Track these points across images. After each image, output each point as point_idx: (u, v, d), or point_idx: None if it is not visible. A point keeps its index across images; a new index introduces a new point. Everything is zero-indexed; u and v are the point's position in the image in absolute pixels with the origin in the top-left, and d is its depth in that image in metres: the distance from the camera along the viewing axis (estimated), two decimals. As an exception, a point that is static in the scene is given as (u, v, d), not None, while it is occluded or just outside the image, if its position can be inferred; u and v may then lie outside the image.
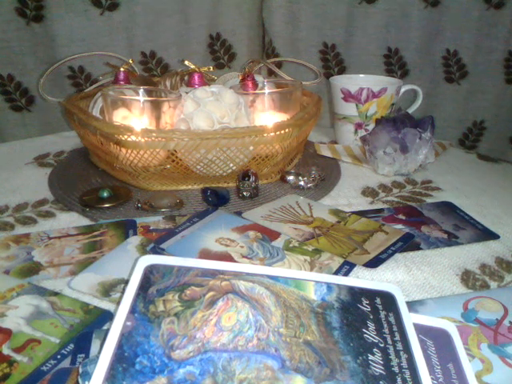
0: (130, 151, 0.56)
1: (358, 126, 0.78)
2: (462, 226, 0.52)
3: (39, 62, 0.88)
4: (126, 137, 0.54)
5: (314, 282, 0.32)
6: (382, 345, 0.28)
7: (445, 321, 0.34)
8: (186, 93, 0.62)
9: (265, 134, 0.56)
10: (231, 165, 0.59)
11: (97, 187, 0.60)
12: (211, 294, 0.29)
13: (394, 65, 0.99)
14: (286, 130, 0.58)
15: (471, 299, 0.39)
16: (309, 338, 0.27)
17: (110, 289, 0.40)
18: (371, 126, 0.76)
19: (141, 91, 0.64)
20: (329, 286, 0.32)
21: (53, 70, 0.73)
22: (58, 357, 0.33)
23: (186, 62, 0.69)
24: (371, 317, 0.30)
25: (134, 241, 0.47)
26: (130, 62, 0.71)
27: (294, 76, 0.84)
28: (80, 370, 0.28)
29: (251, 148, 0.58)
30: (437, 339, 0.32)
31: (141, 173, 0.59)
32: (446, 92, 1.01)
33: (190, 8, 0.93)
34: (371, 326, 0.29)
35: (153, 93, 0.65)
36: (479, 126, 1.04)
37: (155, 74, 0.97)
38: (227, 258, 0.44)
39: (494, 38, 0.94)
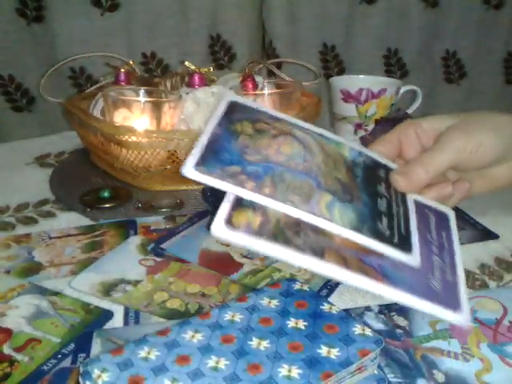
0: (130, 152, 0.56)
1: (358, 126, 0.78)
2: (461, 226, 0.52)
3: (40, 62, 0.88)
4: (126, 137, 0.54)
5: (350, 147, 0.41)
6: (388, 196, 0.38)
7: (445, 206, 0.41)
8: (187, 93, 0.62)
9: (265, 135, 0.56)
10: (231, 165, 0.59)
11: (97, 187, 0.60)
12: (275, 131, 0.38)
13: (394, 65, 0.99)
14: (286, 131, 0.58)
15: (471, 299, 0.39)
16: (339, 176, 0.37)
17: (110, 288, 0.40)
18: (371, 127, 0.76)
19: (141, 92, 0.64)
20: (359, 152, 0.41)
21: (54, 71, 0.73)
22: (59, 356, 0.33)
23: (187, 63, 0.69)
24: (384, 181, 0.40)
25: (135, 241, 0.47)
26: (131, 62, 0.71)
27: (294, 77, 0.84)
28: (81, 370, 0.28)
29: (251, 148, 0.58)
30: (437, 217, 0.40)
31: (141, 173, 0.59)
32: (445, 92, 1.01)
33: (190, 8, 0.93)
34: (383, 185, 0.39)
35: (153, 93, 0.65)
36: (479, 126, 1.04)
37: (156, 75, 0.97)
38: (227, 257, 0.45)
39: (493, 38, 0.95)
